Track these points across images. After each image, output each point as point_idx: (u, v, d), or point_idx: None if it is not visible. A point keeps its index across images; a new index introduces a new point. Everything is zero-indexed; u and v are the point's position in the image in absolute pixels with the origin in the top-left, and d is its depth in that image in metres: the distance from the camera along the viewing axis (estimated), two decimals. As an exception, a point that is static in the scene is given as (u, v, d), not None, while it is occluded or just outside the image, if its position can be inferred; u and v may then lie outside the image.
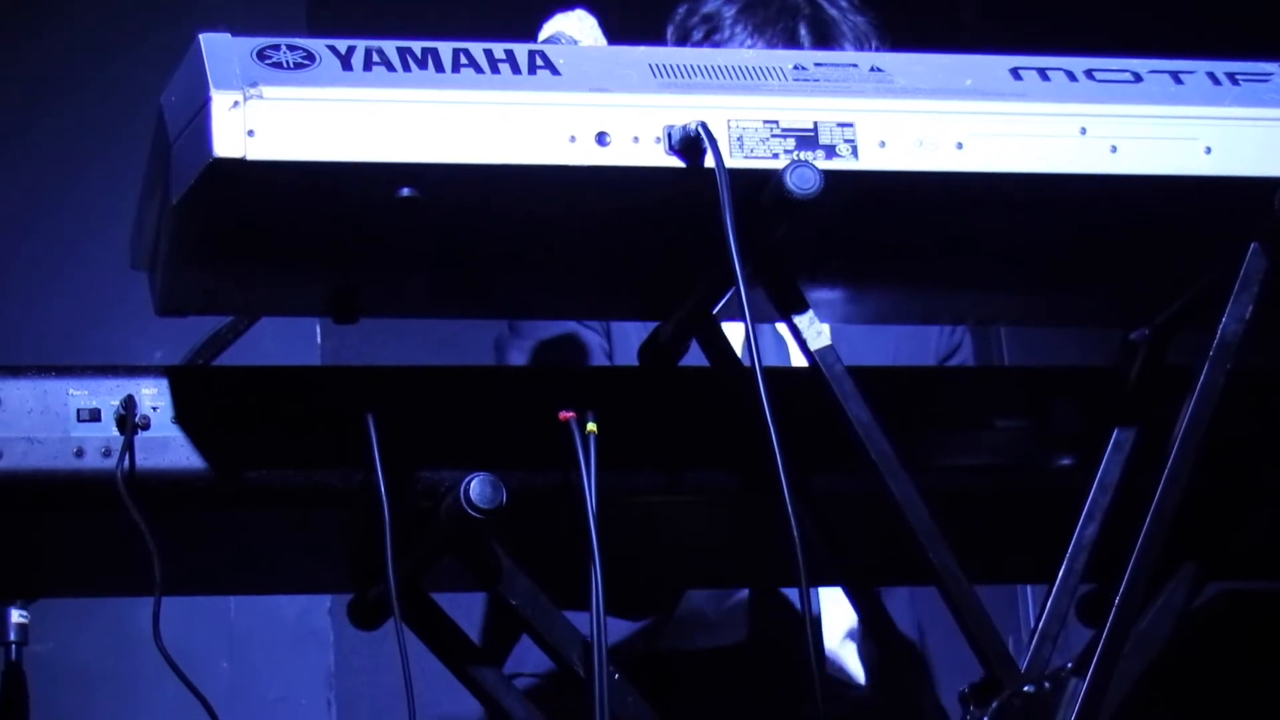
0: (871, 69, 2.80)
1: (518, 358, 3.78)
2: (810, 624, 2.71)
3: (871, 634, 3.12)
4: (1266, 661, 3.29)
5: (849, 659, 3.72)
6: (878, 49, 3.81)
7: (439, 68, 2.67)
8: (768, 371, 2.65)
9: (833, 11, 3.86)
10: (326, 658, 4.74)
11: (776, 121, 2.72)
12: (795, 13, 3.84)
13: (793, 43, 3.81)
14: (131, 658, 4.28)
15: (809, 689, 3.43)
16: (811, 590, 3.60)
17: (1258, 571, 3.20)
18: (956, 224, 2.89)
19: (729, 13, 3.88)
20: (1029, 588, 3.84)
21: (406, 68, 2.67)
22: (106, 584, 3.23)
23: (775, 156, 2.69)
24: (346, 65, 2.65)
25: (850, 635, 3.71)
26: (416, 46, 2.68)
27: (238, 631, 4.61)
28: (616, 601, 2.79)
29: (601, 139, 2.66)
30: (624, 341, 3.69)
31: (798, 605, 3.62)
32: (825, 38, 3.82)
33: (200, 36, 2.64)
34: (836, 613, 3.70)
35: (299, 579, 3.44)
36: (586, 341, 3.77)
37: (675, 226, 2.75)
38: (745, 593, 3.64)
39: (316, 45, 2.65)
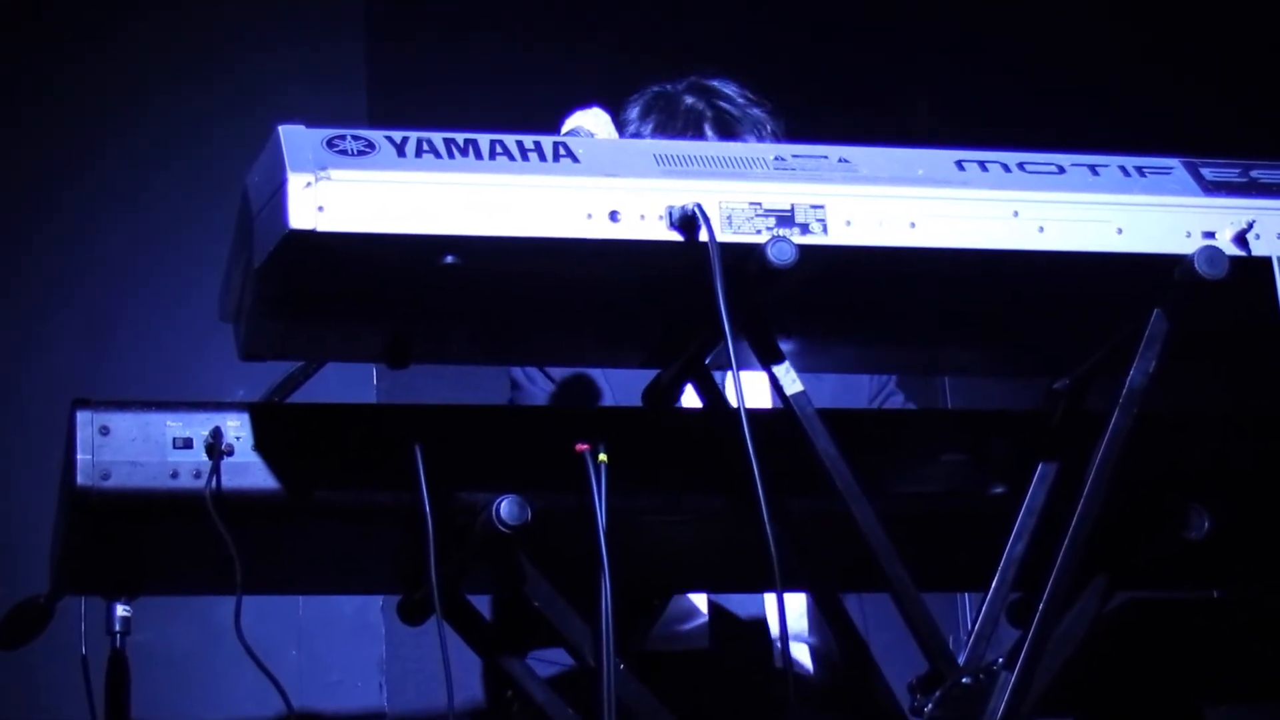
0: (839, 160, 2.80)
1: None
2: (781, 620, 2.70)
3: (834, 632, 3.10)
4: (1164, 656, 3.28)
5: (798, 653, 3.70)
6: (774, 133, 3.78)
7: (478, 155, 2.67)
8: (750, 412, 2.66)
9: (733, 110, 3.81)
10: (379, 648, 4.72)
11: (760, 203, 2.71)
12: (700, 117, 3.80)
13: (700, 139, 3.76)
14: (216, 646, 4.26)
15: (768, 677, 3.44)
16: (758, 597, 3.61)
17: (1157, 583, 3.19)
18: (908, 290, 2.89)
19: (633, 114, 3.84)
20: (966, 594, 3.80)
21: (451, 155, 2.66)
22: (195, 584, 3.21)
23: (759, 232, 2.69)
24: (401, 152, 2.65)
25: (795, 636, 3.69)
26: (459, 137, 2.68)
27: (305, 625, 4.59)
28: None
29: (614, 216, 2.66)
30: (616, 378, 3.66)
31: (743, 617, 3.63)
32: (730, 134, 3.78)
33: (279, 128, 2.64)
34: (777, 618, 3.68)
35: (356, 581, 3.43)
36: (592, 378, 3.74)
37: (674, 290, 2.74)
38: (705, 614, 3.63)
39: (376, 135, 2.65)
